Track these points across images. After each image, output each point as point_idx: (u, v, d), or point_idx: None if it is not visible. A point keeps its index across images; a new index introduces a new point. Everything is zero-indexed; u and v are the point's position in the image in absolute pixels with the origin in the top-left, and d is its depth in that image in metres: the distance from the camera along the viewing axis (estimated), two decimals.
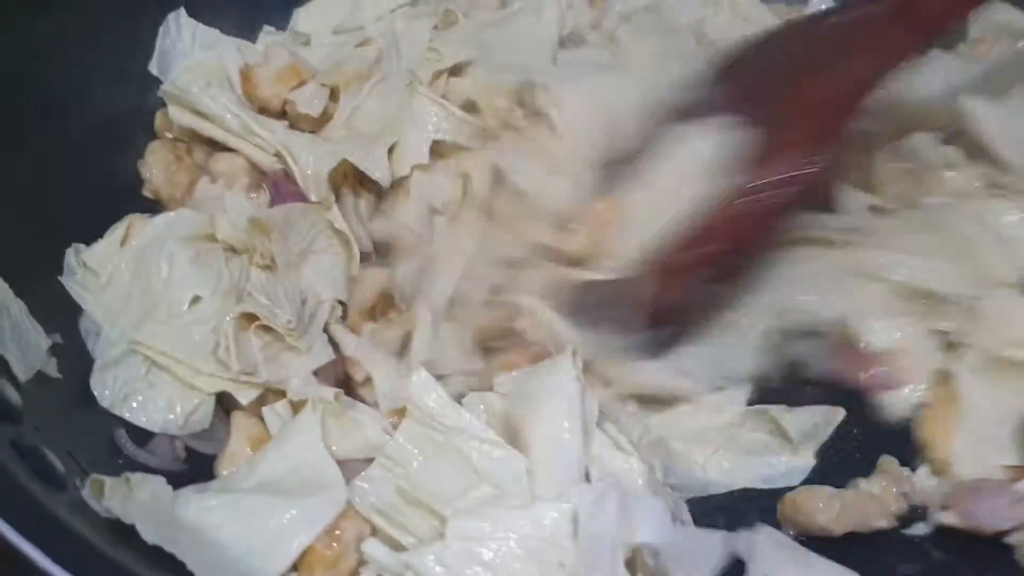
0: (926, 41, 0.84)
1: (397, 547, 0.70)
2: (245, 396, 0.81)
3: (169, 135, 1.00)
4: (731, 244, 0.84)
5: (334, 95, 0.99)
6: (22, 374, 0.74)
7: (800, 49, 0.90)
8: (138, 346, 0.81)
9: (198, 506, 0.69)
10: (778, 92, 0.86)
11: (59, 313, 0.83)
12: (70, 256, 0.87)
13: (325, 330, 0.85)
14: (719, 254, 0.84)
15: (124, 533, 0.65)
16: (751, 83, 0.91)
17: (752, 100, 0.87)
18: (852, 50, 0.83)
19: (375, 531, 0.71)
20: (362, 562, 0.70)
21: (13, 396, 0.72)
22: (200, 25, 1.03)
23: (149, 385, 0.81)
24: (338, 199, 0.93)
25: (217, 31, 1.05)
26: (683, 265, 0.83)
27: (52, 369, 0.78)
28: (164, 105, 0.99)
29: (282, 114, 0.98)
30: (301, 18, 1.12)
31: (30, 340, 0.77)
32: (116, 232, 0.90)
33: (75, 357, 0.82)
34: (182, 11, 1.02)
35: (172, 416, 0.80)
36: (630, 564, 0.69)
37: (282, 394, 0.81)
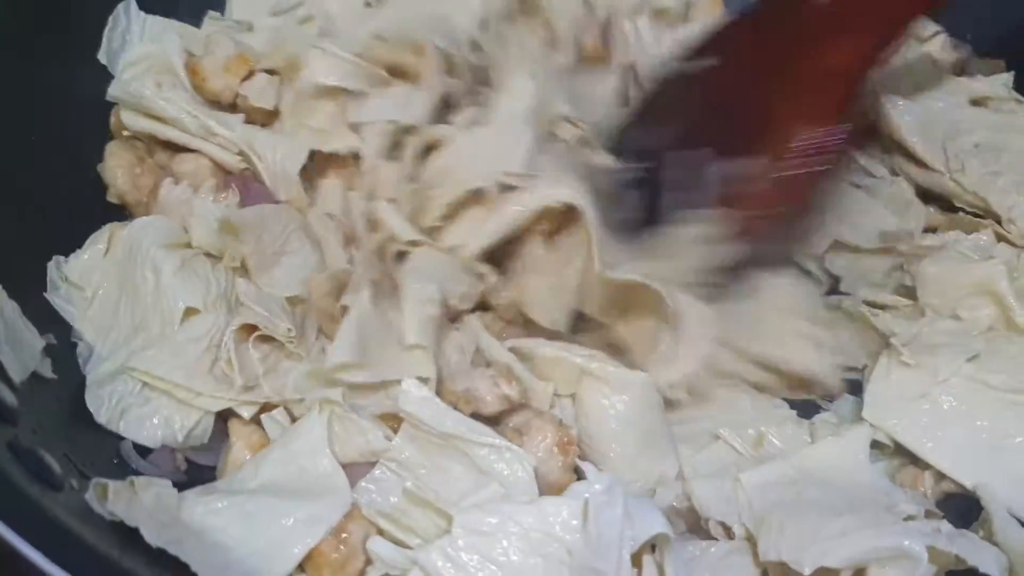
0: (920, 11, 0.85)
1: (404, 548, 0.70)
2: (247, 411, 0.79)
3: (126, 133, 0.95)
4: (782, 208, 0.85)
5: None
6: (17, 375, 0.73)
7: (794, 28, 0.88)
8: (133, 372, 0.79)
9: (204, 508, 0.68)
10: (780, 68, 0.86)
11: (53, 313, 0.82)
12: (52, 270, 0.84)
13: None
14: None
15: (126, 534, 0.64)
16: (743, 62, 0.90)
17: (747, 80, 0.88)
18: (850, 26, 0.84)
19: (381, 533, 0.71)
20: (369, 562, 0.70)
21: (8, 397, 0.70)
22: (149, 17, 0.99)
23: (145, 400, 0.79)
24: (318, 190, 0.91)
25: (166, 19, 1.01)
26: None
27: (47, 369, 0.77)
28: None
29: (234, 107, 0.95)
30: (236, 5, 1.07)
31: (24, 341, 0.76)
32: (97, 243, 0.87)
33: (70, 358, 0.80)
34: (132, 2, 0.98)
35: (171, 432, 0.78)
36: (635, 560, 0.68)
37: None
